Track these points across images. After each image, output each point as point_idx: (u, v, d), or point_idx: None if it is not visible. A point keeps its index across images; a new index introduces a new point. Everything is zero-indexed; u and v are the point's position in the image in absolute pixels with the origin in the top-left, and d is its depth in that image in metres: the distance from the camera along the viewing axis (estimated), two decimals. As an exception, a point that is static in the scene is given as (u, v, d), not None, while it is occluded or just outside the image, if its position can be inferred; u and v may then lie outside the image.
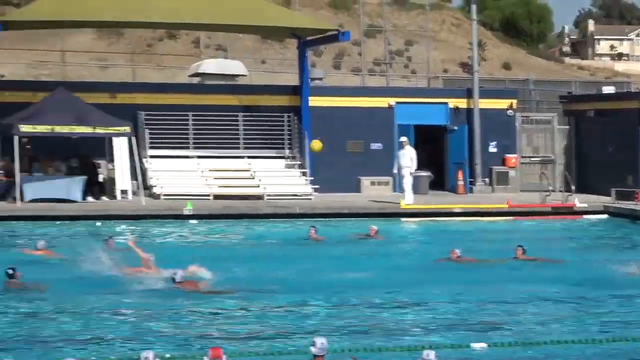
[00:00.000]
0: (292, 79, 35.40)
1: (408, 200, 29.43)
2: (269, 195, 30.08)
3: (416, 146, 31.92)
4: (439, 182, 34.09)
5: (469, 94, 34.50)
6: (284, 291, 16.44)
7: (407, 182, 29.69)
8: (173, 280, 16.07)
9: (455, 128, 34.20)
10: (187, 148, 31.67)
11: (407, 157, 29.85)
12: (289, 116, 32.47)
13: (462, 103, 34.55)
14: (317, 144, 30.14)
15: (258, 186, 30.59)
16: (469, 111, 34.30)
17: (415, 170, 30.09)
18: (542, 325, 14.28)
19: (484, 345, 12.50)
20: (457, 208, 29.47)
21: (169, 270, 16.48)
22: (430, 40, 49.57)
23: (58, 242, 22.06)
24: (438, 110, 34.48)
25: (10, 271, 16.42)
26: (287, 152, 32.54)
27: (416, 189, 31.54)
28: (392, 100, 33.99)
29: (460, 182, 33.39)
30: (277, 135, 32.52)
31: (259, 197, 29.99)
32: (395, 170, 30.29)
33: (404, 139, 30.60)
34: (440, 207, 29.57)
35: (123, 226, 25.94)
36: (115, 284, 16.49)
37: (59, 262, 18.97)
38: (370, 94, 35.01)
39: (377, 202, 29.98)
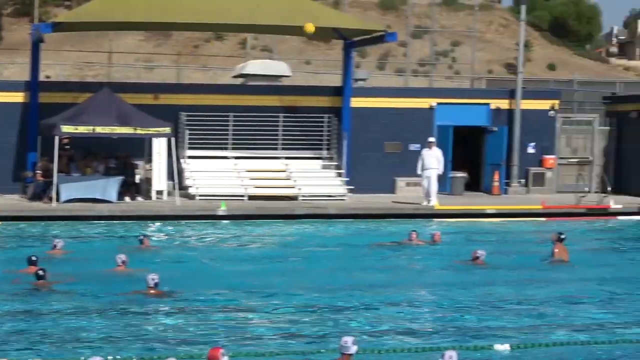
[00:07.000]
0: (336, 80, 35.31)
1: (433, 201, 29.42)
2: (303, 195, 30.10)
3: (453, 147, 31.99)
4: (475, 184, 33.84)
5: (511, 95, 34.17)
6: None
7: (433, 184, 29.44)
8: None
9: (495, 129, 33.92)
10: (226, 149, 31.76)
11: (434, 158, 29.66)
12: (329, 117, 32.46)
13: (504, 104, 34.17)
14: (309, 26, 26.23)
15: (293, 187, 30.59)
16: (510, 112, 33.94)
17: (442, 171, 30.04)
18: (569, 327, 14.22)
19: (507, 346, 12.47)
20: (490, 209, 29.33)
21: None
22: (476, 40, 49.02)
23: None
24: (479, 111, 34.15)
25: (41, 272, 16.56)
26: (324, 153, 32.47)
27: (451, 190, 32.01)
28: (433, 101, 33.73)
29: (496, 183, 33.12)
30: (316, 136, 32.39)
31: (293, 198, 30.07)
32: (419, 171, 29.85)
33: (431, 139, 30.33)
34: (472, 208, 29.51)
35: (156, 225, 26.19)
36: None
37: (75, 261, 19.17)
38: (412, 95, 34.61)
39: (405, 203, 29.85)
